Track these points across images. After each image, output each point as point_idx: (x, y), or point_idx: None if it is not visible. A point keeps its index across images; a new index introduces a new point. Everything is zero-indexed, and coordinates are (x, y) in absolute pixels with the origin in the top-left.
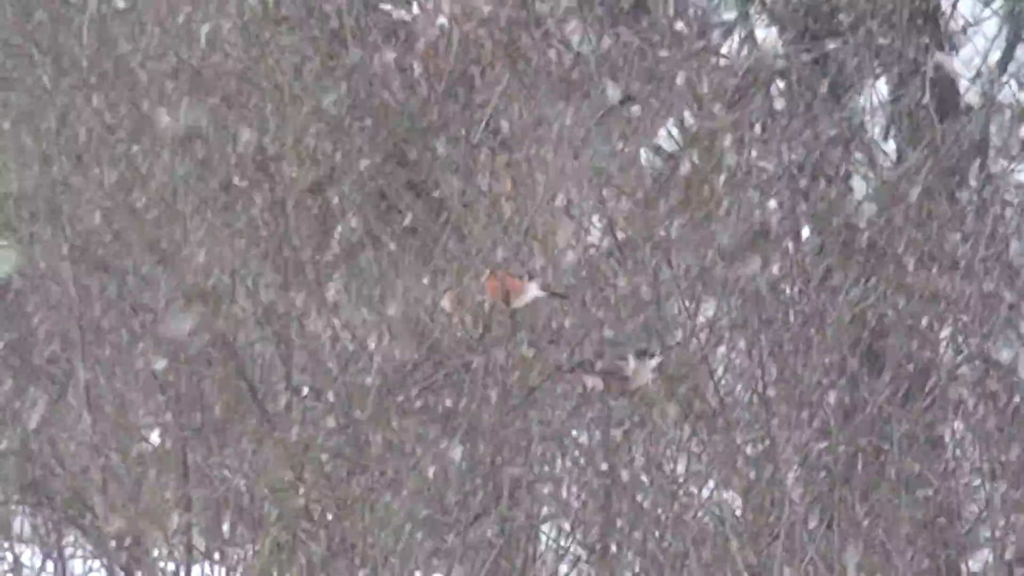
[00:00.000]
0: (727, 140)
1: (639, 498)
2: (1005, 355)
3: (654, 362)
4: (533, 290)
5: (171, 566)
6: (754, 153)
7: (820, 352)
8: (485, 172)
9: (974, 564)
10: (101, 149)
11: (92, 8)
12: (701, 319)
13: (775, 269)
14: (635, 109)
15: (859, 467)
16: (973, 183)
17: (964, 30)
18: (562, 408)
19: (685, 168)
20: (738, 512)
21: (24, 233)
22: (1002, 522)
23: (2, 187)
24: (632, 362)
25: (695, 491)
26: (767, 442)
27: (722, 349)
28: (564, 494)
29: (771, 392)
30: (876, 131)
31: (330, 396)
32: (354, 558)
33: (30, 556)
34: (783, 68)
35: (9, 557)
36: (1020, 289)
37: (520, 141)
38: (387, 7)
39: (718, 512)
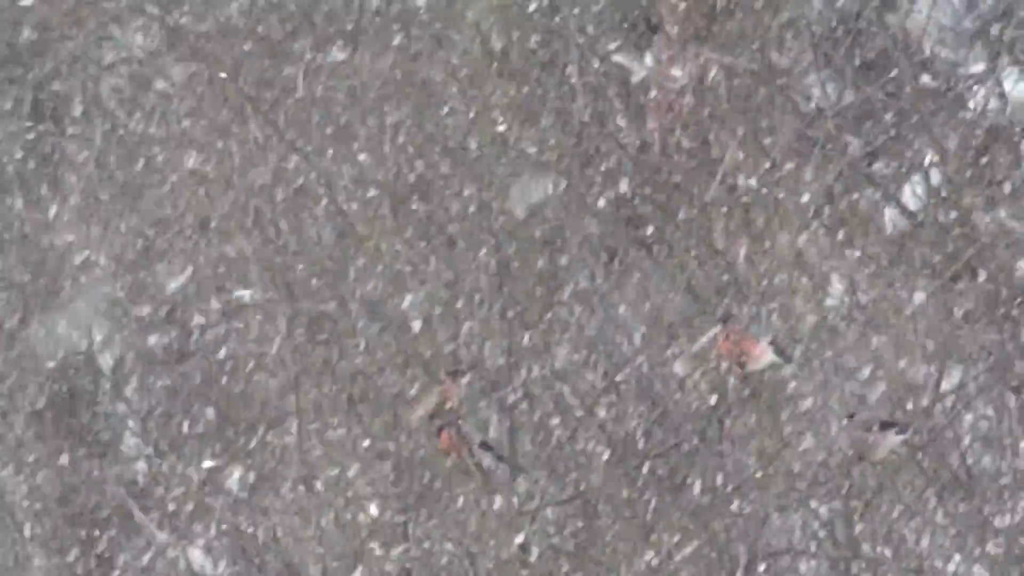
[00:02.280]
0: (975, 198)
1: (882, 571)
2: None
3: (899, 437)
4: (770, 354)
5: None
6: (1004, 212)
7: None
8: (721, 230)
9: None
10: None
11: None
12: (946, 385)
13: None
14: (878, 165)
15: None
16: None
17: None
18: (799, 478)
19: (930, 227)
20: None
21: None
22: None
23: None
24: (874, 434)
25: (939, 566)
26: (1018, 514)
27: (969, 416)
28: (803, 568)
29: (1021, 462)
30: None
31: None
32: None
33: None
34: None
35: None
36: None
37: (757, 198)
38: (619, 59)
39: None
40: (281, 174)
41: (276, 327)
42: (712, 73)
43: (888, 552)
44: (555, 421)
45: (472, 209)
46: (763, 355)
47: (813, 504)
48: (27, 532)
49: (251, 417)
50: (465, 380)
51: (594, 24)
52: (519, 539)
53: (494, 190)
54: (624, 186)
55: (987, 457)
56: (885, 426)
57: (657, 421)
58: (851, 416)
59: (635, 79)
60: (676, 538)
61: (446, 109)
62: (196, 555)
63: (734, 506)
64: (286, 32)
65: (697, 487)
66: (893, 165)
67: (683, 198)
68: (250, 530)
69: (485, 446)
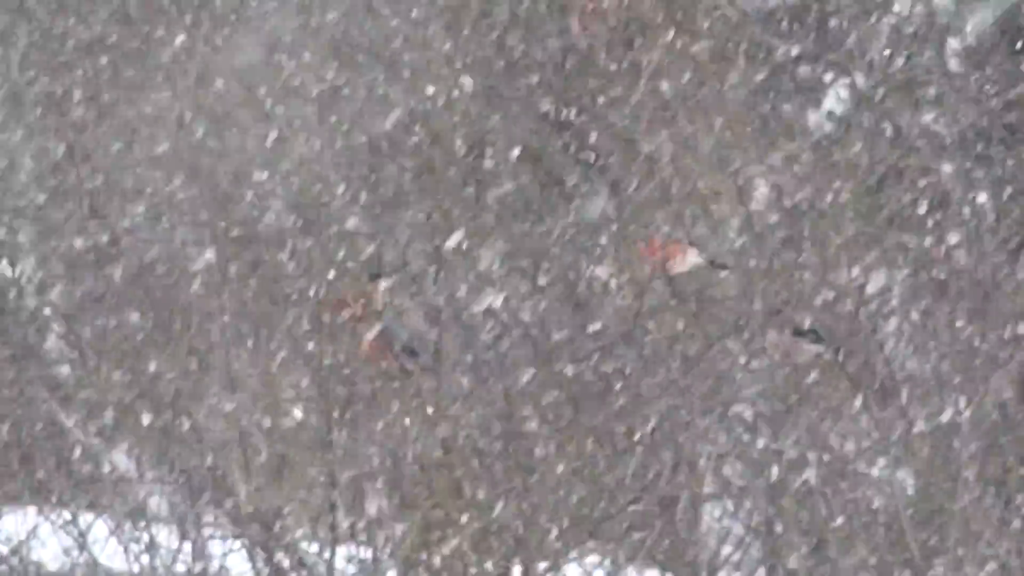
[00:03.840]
0: (899, 102)
1: (806, 476)
2: None
3: (815, 346)
4: (693, 257)
5: (314, 546)
6: (928, 116)
7: (998, 323)
8: (646, 135)
9: None
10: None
11: None
12: (871, 289)
13: (950, 236)
14: (803, 68)
15: None
16: None
17: None
18: (724, 381)
19: (855, 131)
20: (911, 492)
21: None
22: None
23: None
24: (798, 338)
25: (863, 468)
26: (942, 418)
27: (893, 321)
28: (727, 472)
29: (946, 366)
30: None
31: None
32: (508, 538)
33: (167, 535)
34: (959, 25)
35: (145, 537)
36: None
37: (683, 104)
38: None
39: (889, 491)
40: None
41: (200, 231)
42: None
43: (812, 456)
44: (479, 324)
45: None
46: (687, 258)
47: (737, 407)
48: None
49: (175, 321)
50: (388, 284)
51: None
52: (443, 442)
53: (417, 94)
54: (549, 89)
55: (911, 361)
56: (809, 331)
57: (580, 324)
58: (775, 320)
59: None
60: (600, 442)
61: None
62: (120, 458)
63: (658, 410)
64: None
65: (621, 391)
66: (819, 69)
67: (608, 102)
68: (175, 434)
69: (409, 350)
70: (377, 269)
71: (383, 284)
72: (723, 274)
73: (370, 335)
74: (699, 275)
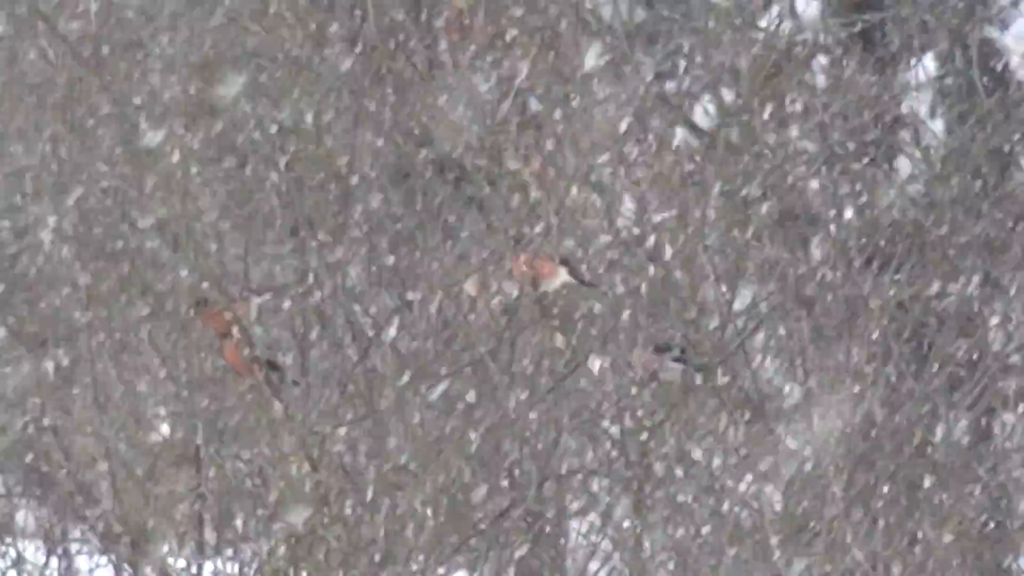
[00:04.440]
0: (766, 117)
1: (673, 492)
2: None
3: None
4: (563, 275)
5: (181, 562)
6: (795, 132)
7: (863, 339)
8: (513, 150)
9: None
10: (111, 126)
11: None
12: (738, 305)
13: (816, 252)
14: (670, 84)
15: (905, 460)
16: None
17: (1016, 3)
18: (592, 398)
19: (721, 147)
20: (778, 507)
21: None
22: None
23: (5, 165)
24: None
25: (732, 484)
26: (808, 434)
27: (760, 336)
28: (594, 487)
29: (812, 381)
30: (923, 109)
31: (349, 385)
32: (374, 554)
33: (33, 552)
34: (825, 42)
35: (12, 553)
36: None
37: (549, 118)
38: None
39: (756, 507)
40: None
41: (67, 244)
42: None
43: (680, 472)
44: (347, 340)
45: (264, 130)
46: (556, 275)
47: (604, 424)
48: None
49: (42, 334)
50: (257, 300)
51: None
52: (311, 460)
53: (287, 110)
54: (416, 105)
55: (779, 377)
56: (675, 347)
57: (448, 341)
58: (641, 336)
59: None
60: (467, 459)
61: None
62: None
63: (526, 426)
64: None
65: (488, 407)
66: (685, 84)
67: (473, 117)
68: (42, 449)
69: (276, 366)
70: (246, 284)
71: (255, 300)
72: (591, 291)
73: (230, 344)
74: (568, 292)
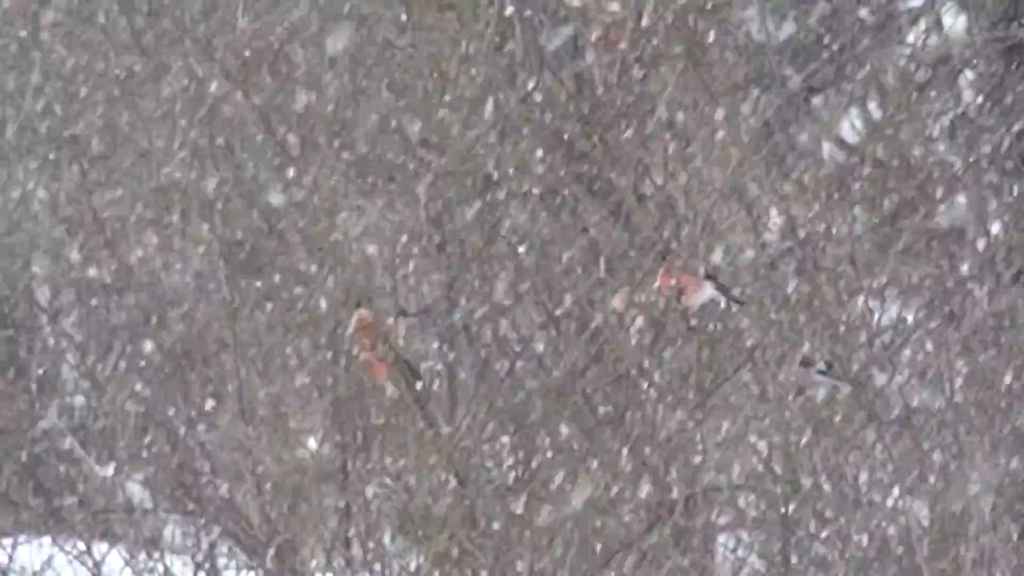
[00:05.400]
0: (913, 133)
1: (820, 507)
2: None
3: (835, 374)
4: (708, 290)
5: None
6: (942, 147)
7: (1012, 354)
8: (660, 165)
9: None
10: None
11: None
12: (885, 320)
13: (964, 267)
14: (816, 100)
15: None
16: None
17: None
18: (739, 413)
19: (869, 162)
20: (925, 522)
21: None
22: None
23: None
24: (813, 369)
25: (878, 499)
26: (955, 448)
27: (908, 352)
28: (741, 502)
29: (959, 397)
30: None
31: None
32: (522, 570)
33: (181, 567)
34: (973, 57)
35: (159, 567)
36: None
37: (696, 133)
38: None
39: (904, 522)
40: (216, 104)
41: (214, 259)
42: (650, 5)
43: (827, 487)
44: (494, 356)
45: (411, 144)
46: (702, 290)
47: (752, 439)
48: None
49: (189, 351)
50: (408, 321)
51: None
52: (458, 474)
53: (432, 126)
54: (563, 121)
55: (925, 392)
56: (824, 365)
57: (595, 356)
58: (790, 351)
59: (574, 4)
60: (614, 474)
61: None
62: (135, 489)
63: (673, 442)
64: None
65: (636, 422)
66: (832, 99)
67: (622, 133)
68: (189, 464)
69: (423, 381)
70: (394, 301)
71: (404, 322)
72: (737, 307)
73: (377, 359)
74: (713, 307)
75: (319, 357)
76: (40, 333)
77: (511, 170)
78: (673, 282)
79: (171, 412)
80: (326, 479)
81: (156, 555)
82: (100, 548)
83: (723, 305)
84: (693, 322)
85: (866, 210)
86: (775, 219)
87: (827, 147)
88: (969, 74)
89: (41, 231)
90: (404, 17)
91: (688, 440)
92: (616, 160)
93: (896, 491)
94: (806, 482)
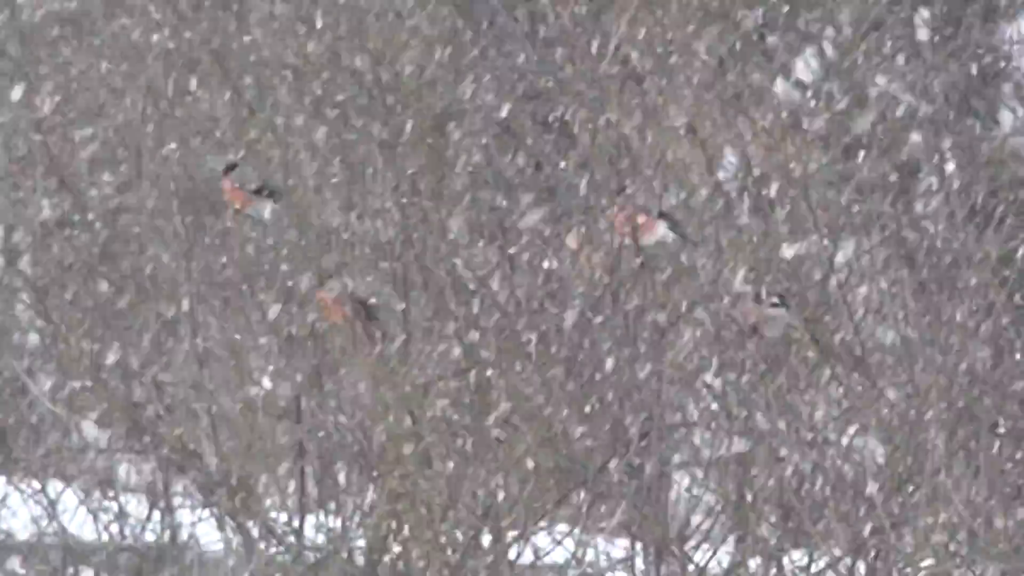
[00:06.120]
0: (867, 71)
1: (775, 445)
2: None
3: (789, 313)
4: (663, 229)
5: (283, 516)
6: (896, 85)
7: (966, 293)
8: (614, 104)
9: None
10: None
11: None
12: (840, 259)
13: (919, 206)
14: (771, 38)
15: (1007, 413)
16: None
17: None
18: (693, 351)
19: (823, 100)
20: (879, 460)
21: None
22: None
23: (104, 121)
24: (767, 308)
25: (833, 437)
26: (910, 387)
27: (863, 290)
28: (696, 441)
29: (914, 334)
30: None
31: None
32: (476, 508)
33: (136, 505)
34: None
35: (114, 507)
36: None
37: (651, 71)
38: None
39: (858, 459)
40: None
41: (169, 202)
42: None
43: (782, 425)
44: (448, 294)
45: (365, 81)
46: (656, 229)
47: (707, 377)
48: None
49: (143, 290)
50: (358, 253)
51: None
52: (412, 413)
53: (386, 63)
54: (519, 59)
55: (880, 329)
56: (778, 300)
57: (550, 294)
58: (744, 289)
59: None
60: (570, 412)
61: None
62: (89, 428)
63: (627, 380)
64: None
65: (590, 361)
66: (786, 38)
67: (576, 71)
68: (143, 403)
69: (377, 319)
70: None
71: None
72: (691, 243)
73: (331, 294)
74: (669, 245)
75: (274, 296)
76: None
77: (466, 108)
78: (627, 220)
79: (125, 351)
80: (280, 417)
81: (111, 494)
82: (55, 487)
83: (675, 242)
84: (643, 259)
85: (820, 148)
86: (730, 159)
87: (782, 86)
88: (924, 12)
89: None
90: None
91: (644, 378)
92: (572, 98)
93: (851, 429)
94: (761, 420)
